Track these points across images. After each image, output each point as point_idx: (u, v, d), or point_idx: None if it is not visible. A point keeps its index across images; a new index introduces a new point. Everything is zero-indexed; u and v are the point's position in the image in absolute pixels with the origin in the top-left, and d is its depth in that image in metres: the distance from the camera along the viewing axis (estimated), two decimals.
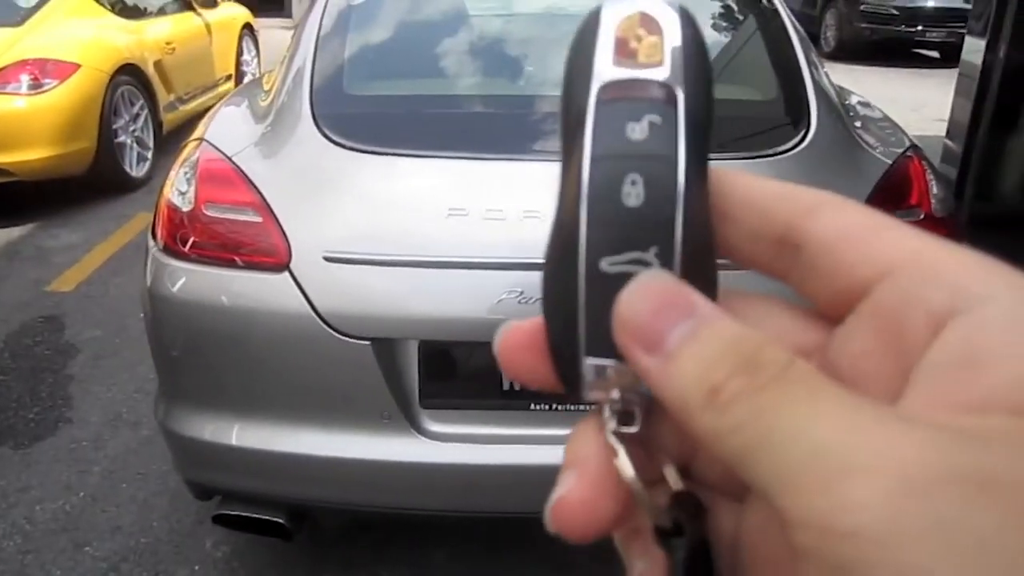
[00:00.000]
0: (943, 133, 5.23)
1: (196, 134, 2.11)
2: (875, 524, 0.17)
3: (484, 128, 2.08)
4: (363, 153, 1.87)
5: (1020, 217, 3.71)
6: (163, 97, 5.79)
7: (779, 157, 1.92)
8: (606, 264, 0.21)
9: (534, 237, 1.77)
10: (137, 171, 5.41)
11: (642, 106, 0.22)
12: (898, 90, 9.30)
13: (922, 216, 1.88)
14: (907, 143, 2.08)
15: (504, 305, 1.69)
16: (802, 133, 1.98)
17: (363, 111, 2.11)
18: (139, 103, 5.47)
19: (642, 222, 0.21)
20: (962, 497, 0.17)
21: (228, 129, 2.14)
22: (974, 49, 4.72)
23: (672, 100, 0.22)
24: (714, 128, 0.24)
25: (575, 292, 0.21)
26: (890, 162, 1.94)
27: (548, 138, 2.01)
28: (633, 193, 0.21)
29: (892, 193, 1.88)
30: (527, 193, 1.79)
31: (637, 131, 0.21)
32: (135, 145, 5.43)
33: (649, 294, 0.21)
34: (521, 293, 1.68)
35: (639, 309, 0.21)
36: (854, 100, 2.47)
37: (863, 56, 11.01)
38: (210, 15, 6.77)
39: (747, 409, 0.19)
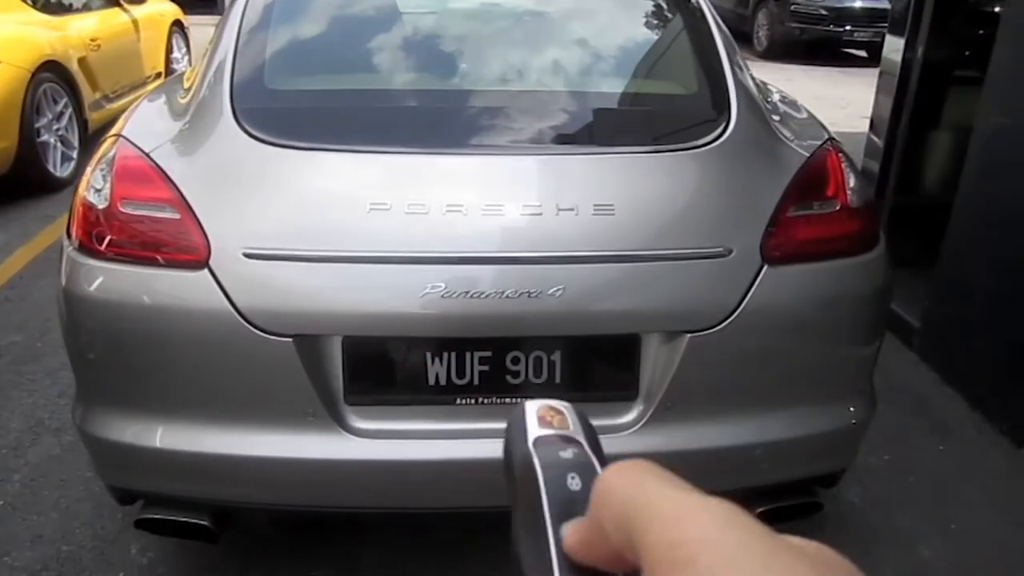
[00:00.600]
0: (867, 128, 5.40)
1: (113, 130, 2.06)
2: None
3: (406, 123, 2.07)
4: (284, 148, 1.84)
5: (940, 208, 3.83)
6: (88, 95, 5.64)
7: (700, 150, 1.96)
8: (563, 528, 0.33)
9: (456, 231, 1.77)
10: (61, 171, 5.27)
11: (565, 445, 0.37)
12: (826, 88, 9.54)
13: (838, 207, 1.93)
14: (825, 136, 2.14)
15: (428, 299, 1.69)
16: (722, 127, 2.01)
17: (284, 106, 2.08)
18: (63, 101, 5.33)
19: (579, 496, 0.33)
20: None
21: (146, 125, 2.09)
22: (894, 48, 4.86)
23: (579, 442, 0.37)
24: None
25: (548, 546, 0.33)
26: (808, 154, 1.98)
27: (469, 132, 2.02)
28: (573, 483, 0.34)
29: (809, 185, 1.93)
30: (449, 188, 1.79)
31: (568, 453, 0.36)
32: (59, 144, 5.28)
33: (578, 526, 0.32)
34: (444, 287, 1.68)
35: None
36: (776, 97, 2.53)
37: (794, 55, 11.27)
38: (137, 11, 6.62)
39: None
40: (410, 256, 1.71)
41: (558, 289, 1.71)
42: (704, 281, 1.81)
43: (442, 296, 1.68)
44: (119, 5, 6.47)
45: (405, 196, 1.76)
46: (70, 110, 5.39)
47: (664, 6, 2.65)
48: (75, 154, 5.43)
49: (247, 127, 1.88)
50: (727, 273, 1.81)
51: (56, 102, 5.26)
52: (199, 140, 1.90)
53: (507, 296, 1.70)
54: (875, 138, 4.98)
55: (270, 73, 2.13)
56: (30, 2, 5.52)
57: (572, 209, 1.76)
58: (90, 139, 5.56)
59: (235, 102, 1.94)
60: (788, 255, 1.84)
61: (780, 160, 1.97)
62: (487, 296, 1.70)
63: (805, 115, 2.44)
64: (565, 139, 2.05)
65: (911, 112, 4.73)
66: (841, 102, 8.48)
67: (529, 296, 1.71)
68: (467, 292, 1.69)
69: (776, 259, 1.82)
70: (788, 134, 2.09)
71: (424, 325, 1.72)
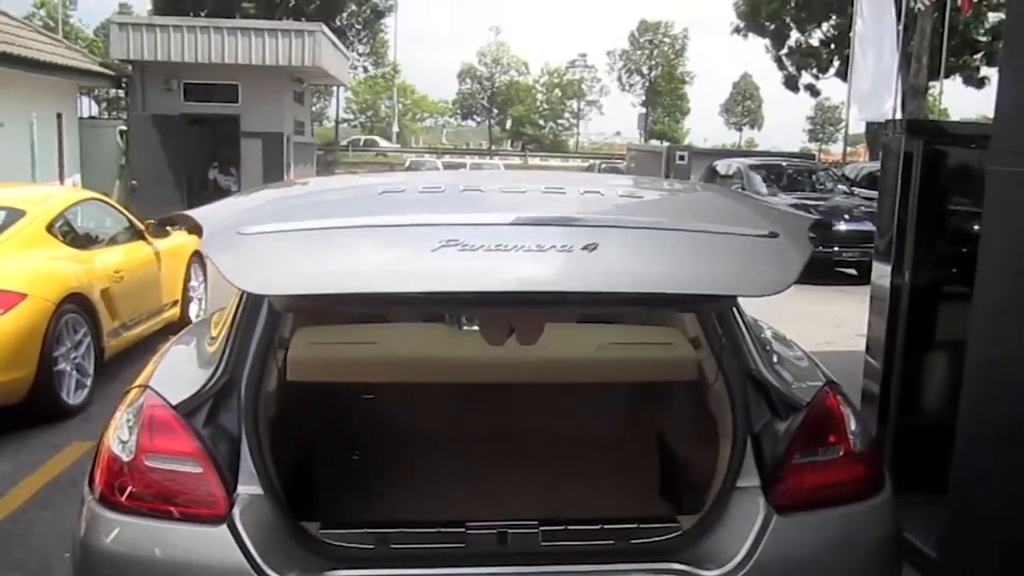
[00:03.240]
0: (863, 346, 5.52)
1: (140, 379, 2.15)
2: None
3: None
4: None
5: (943, 430, 3.84)
6: (108, 324, 5.83)
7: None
8: None
9: None
10: (74, 398, 5.34)
11: None
12: (821, 306, 9.83)
13: (841, 453, 1.98)
14: (822, 378, 2.22)
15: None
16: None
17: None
18: (83, 330, 5.50)
19: None
20: None
21: (174, 376, 2.19)
22: (881, 274, 5.05)
23: None
24: None
25: None
26: (807, 400, 2.06)
27: None
28: None
29: (812, 433, 1.99)
30: None
31: None
32: (74, 372, 5.39)
33: None
34: None
35: None
36: (768, 334, 2.65)
37: None
38: (161, 243, 6.97)
39: None
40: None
41: None
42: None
43: None
44: (144, 238, 6.83)
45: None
46: (88, 339, 5.55)
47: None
48: (89, 382, 5.52)
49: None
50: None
51: (76, 331, 5.43)
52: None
53: None
54: (872, 360, 5.06)
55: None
56: (61, 237, 5.85)
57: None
58: (105, 365, 5.69)
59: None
60: (796, 502, 1.87)
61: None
62: None
63: (798, 352, 2.54)
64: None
65: (905, 334, 4.84)
66: (835, 320, 8.72)
67: None
68: None
69: (784, 507, 1.85)
70: (787, 377, 2.18)
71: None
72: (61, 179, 13.77)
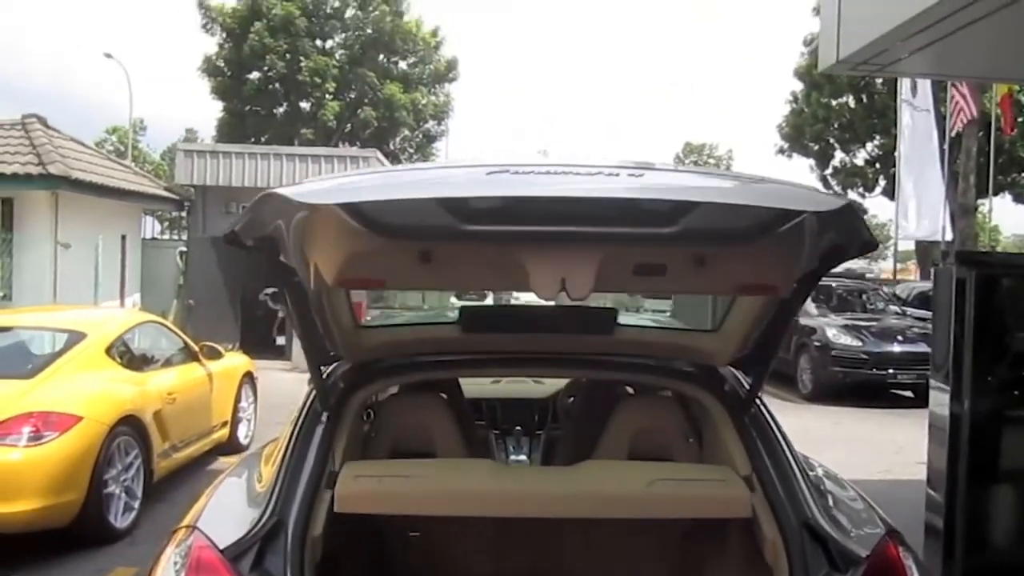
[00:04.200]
0: (924, 475, 5.31)
1: (189, 518, 2.16)
2: None
3: None
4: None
5: (1015, 570, 3.64)
6: (158, 446, 5.89)
7: None
8: None
9: None
10: (121, 521, 5.35)
11: None
12: (877, 431, 9.54)
13: None
14: (881, 525, 2.14)
15: None
16: None
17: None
18: (134, 452, 5.55)
19: None
20: None
21: (222, 515, 2.20)
22: (939, 402, 4.93)
23: None
24: None
25: None
26: (867, 552, 1.98)
27: None
28: None
29: None
30: None
31: None
32: (123, 494, 5.42)
33: None
34: None
35: None
36: (820, 472, 2.58)
37: (840, 397, 11.41)
38: (214, 365, 7.11)
39: None
40: None
41: None
42: None
43: None
44: (198, 360, 6.98)
45: None
46: (139, 461, 5.60)
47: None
48: (137, 504, 5.54)
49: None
50: None
51: (127, 453, 5.49)
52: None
53: None
54: (934, 492, 4.87)
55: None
56: (118, 358, 6.01)
57: None
58: (153, 487, 5.71)
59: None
60: None
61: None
62: None
63: (852, 494, 2.46)
64: None
65: (968, 464, 4.67)
66: (893, 446, 8.44)
67: None
68: None
69: None
70: (844, 523, 2.10)
71: None
72: (122, 298, 14.24)
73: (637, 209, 1.82)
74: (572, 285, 1.92)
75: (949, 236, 17.08)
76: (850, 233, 1.93)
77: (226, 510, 2.27)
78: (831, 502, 2.22)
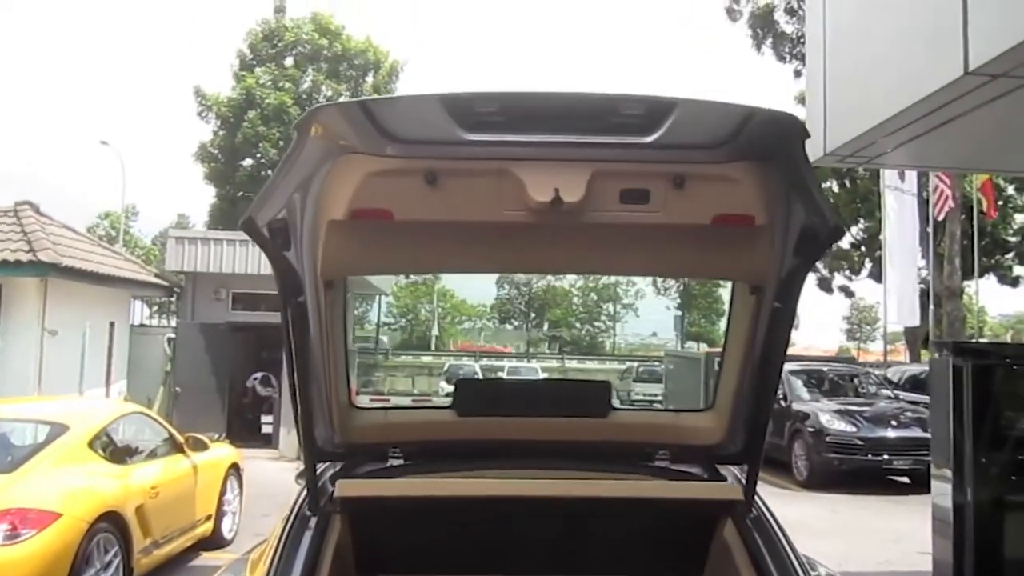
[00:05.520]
0: (929, 566, 5.17)
1: None
2: None
3: None
4: None
5: None
6: (139, 542, 5.70)
7: None
8: None
9: None
10: None
11: None
12: (875, 519, 9.36)
13: None
14: None
15: None
16: None
17: None
18: (113, 550, 5.37)
19: None
20: None
21: None
22: (941, 492, 4.86)
23: None
24: None
25: None
26: None
27: None
28: None
29: None
30: None
31: None
32: None
33: None
34: None
35: None
36: (823, 572, 2.50)
37: (836, 484, 11.23)
38: (199, 457, 6.94)
39: None
40: None
41: None
42: None
43: None
44: (183, 451, 6.82)
45: None
46: (118, 559, 5.41)
47: None
48: None
49: None
50: None
51: (107, 551, 5.30)
52: None
53: None
54: None
55: None
56: (101, 451, 5.86)
57: None
58: None
59: None
60: None
61: None
62: None
63: None
64: None
65: (975, 554, 4.58)
66: (893, 535, 8.26)
67: None
68: None
69: None
70: None
71: None
72: (107, 386, 14.03)
73: (619, 114, 2.02)
74: (566, 193, 2.08)
75: (926, 320, 17.09)
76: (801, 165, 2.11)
77: None
78: None
